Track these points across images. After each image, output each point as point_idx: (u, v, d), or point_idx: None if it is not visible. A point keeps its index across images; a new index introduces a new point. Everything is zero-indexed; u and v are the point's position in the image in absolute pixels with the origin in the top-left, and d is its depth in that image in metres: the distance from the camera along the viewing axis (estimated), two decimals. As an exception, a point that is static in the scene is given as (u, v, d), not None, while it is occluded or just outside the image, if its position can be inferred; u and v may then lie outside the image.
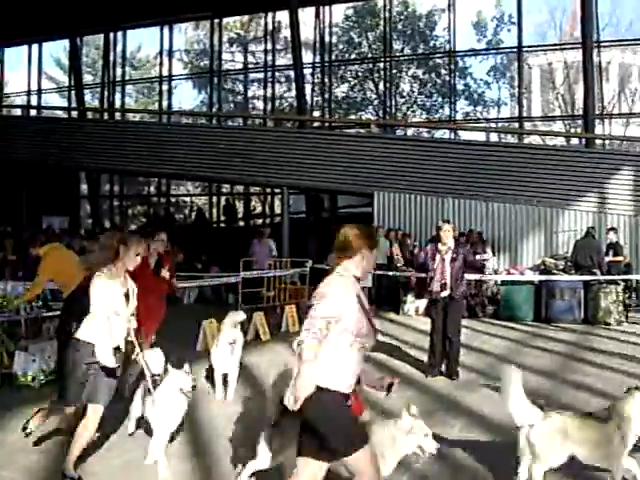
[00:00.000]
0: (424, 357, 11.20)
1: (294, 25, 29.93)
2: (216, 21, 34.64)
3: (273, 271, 17.43)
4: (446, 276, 10.33)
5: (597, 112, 27.25)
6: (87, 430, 6.42)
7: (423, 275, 12.32)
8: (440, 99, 33.11)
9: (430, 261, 10.45)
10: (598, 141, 26.29)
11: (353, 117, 33.96)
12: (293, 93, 32.79)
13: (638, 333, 15.03)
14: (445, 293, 10.39)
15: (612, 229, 18.85)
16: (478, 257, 17.02)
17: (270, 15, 34.18)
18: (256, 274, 16.64)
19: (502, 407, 8.04)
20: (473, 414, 8.28)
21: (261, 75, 35.59)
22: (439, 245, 10.54)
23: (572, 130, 31.55)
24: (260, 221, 34.04)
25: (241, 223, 34.37)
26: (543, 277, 17.53)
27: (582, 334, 15.06)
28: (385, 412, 7.41)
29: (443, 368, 10.56)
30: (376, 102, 33.91)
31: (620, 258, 18.28)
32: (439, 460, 6.43)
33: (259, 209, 35.57)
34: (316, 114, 32.92)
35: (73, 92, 35.66)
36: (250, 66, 36.45)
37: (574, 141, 30.42)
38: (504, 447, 6.87)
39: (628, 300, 17.79)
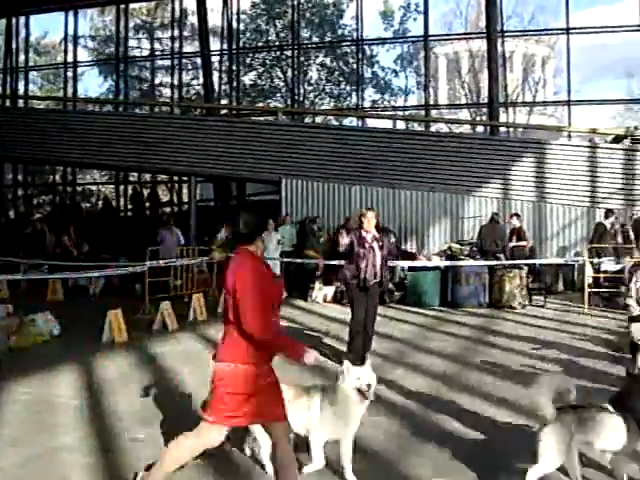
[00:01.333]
0: (336, 344, 11.25)
1: (201, 12, 29.68)
2: (122, 7, 33.95)
3: (180, 260, 17.24)
4: (376, 263, 10.30)
5: (501, 100, 27.69)
6: None
7: (333, 262, 12.40)
8: (348, 87, 33.20)
9: (360, 249, 10.30)
10: (502, 129, 26.77)
11: (261, 105, 33.82)
12: (201, 80, 32.53)
13: (540, 316, 15.44)
14: (375, 280, 10.37)
15: (515, 215, 19.22)
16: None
17: (177, 1, 33.65)
18: (163, 263, 16.41)
19: (409, 393, 8.27)
20: (380, 401, 8.30)
21: (168, 62, 35.10)
22: (363, 233, 10.43)
23: (477, 118, 32.04)
24: (168, 209, 33.70)
25: (149, 212, 33.87)
26: (448, 262, 17.78)
27: (487, 318, 15.36)
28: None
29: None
30: (284, 90, 33.85)
31: (524, 243, 18.67)
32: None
33: (167, 197, 35.20)
34: (224, 102, 32.67)
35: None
36: (157, 53, 35.92)
37: (480, 129, 30.87)
38: (413, 431, 7.01)
39: (531, 284, 18.19)
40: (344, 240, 11.11)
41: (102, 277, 18.61)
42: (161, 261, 16.46)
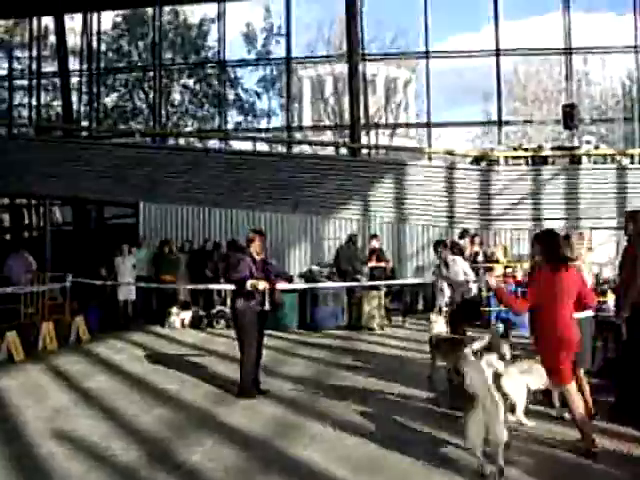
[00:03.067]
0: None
1: (60, 31, 28.91)
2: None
3: (30, 287, 16.49)
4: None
5: (363, 122, 27.95)
6: None
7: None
8: (211, 109, 32.95)
9: (258, 273, 9.90)
10: (364, 150, 27.00)
11: (123, 127, 33.13)
12: (61, 101, 31.62)
13: (397, 336, 15.48)
14: (268, 305, 10.03)
15: (374, 236, 19.32)
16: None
17: (36, 20, 32.68)
18: (10, 290, 15.64)
19: (257, 422, 8.06)
20: (229, 429, 8.04)
21: (26, 82, 33.99)
22: (255, 255, 10.00)
23: (340, 140, 32.26)
24: (27, 234, 32.47)
25: (8, 236, 32.54)
26: (305, 285, 17.59)
27: (345, 340, 15.26)
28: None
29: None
30: (146, 111, 33.29)
31: (382, 264, 18.72)
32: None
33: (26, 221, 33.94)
34: (84, 124, 31.86)
35: None
36: (15, 73, 34.72)
37: (343, 151, 31.09)
38: (258, 462, 6.78)
39: (391, 304, 18.29)
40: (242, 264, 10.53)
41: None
42: (8, 288, 15.68)
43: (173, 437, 7.57)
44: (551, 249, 7.20)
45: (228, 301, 17.88)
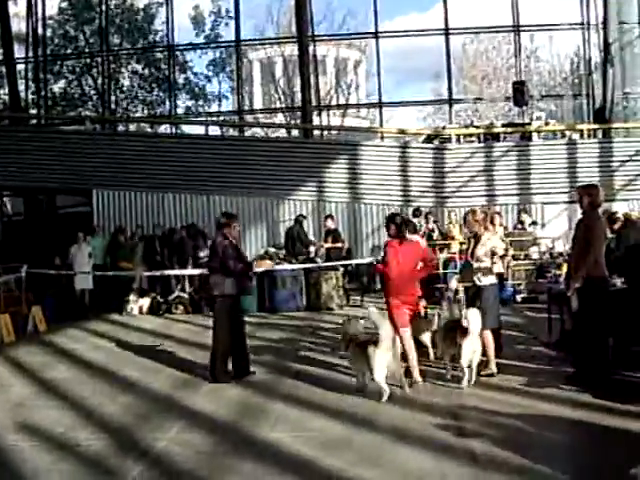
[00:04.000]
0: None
1: (4, 16, 28.36)
2: None
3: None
4: None
5: (315, 104, 27.93)
6: None
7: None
8: (161, 94, 32.66)
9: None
10: (317, 132, 27.00)
11: (72, 114, 32.67)
12: (7, 89, 31.06)
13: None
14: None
15: (329, 216, 19.37)
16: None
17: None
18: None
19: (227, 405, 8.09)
20: (194, 414, 8.04)
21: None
22: (232, 240, 9.86)
23: (292, 122, 32.26)
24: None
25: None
26: (279, 267, 17.44)
27: (304, 320, 15.31)
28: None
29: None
30: (95, 98, 32.90)
31: (339, 245, 18.77)
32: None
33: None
34: (33, 112, 31.36)
35: None
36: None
37: (295, 133, 31.09)
38: (225, 444, 6.82)
39: (348, 284, 18.39)
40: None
41: None
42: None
43: (139, 424, 7.55)
44: (396, 228, 9.10)
45: (187, 287, 17.93)
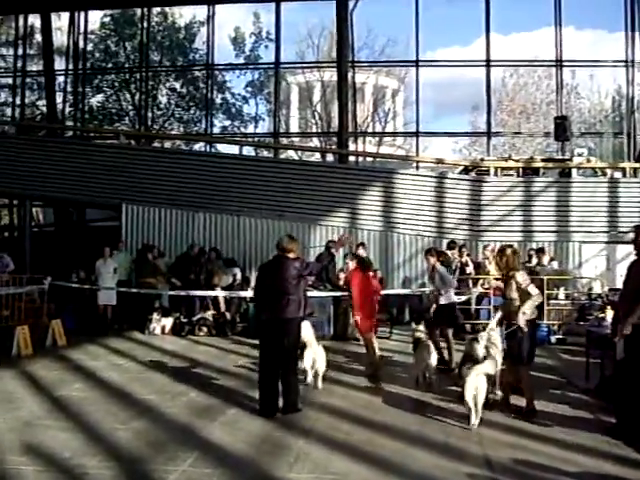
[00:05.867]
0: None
1: (46, 30, 28.47)
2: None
3: (4, 289, 15.95)
4: None
5: (351, 130, 27.63)
6: None
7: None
8: (198, 112, 32.54)
9: None
10: (352, 159, 26.64)
11: (109, 128, 32.63)
12: (45, 101, 31.15)
13: (382, 347, 15.00)
14: None
15: (361, 244, 18.91)
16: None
17: (22, 18, 32.18)
18: (-18, 292, 15.15)
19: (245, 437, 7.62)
20: (210, 445, 7.58)
21: (10, 81, 33.47)
22: None
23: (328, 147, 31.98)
24: (6, 234, 31.95)
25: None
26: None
27: (329, 351, 14.79)
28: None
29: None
30: (132, 113, 32.86)
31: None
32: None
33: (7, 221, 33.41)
34: (69, 124, 31.38)
35: None
36: (0, 70, 34.22)
37: (330, 158, 30.79)
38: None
39: (377, 315, 17.87)
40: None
41: None
42: (-18, 290, 15.19)
43: (151, 454, 7.11)
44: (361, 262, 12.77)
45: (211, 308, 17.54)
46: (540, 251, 18.79)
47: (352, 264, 13.01)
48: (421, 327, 11.71)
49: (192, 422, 8.45)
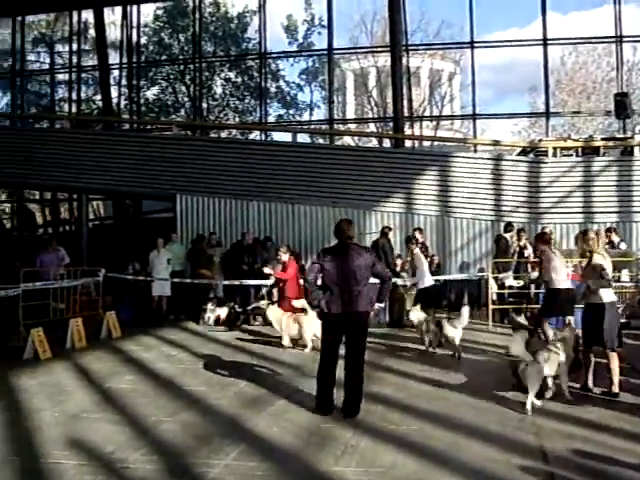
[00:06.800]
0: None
1: (99, 25, 28.65)
2: (18, 19, 32.59)
3: (60, 282, 16.03)
4: None
5: (407, 115, 27.28)
6: None
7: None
8: (252, 102, 32.50)
9: None
10: (408, 143, 26.28)
11: (164, 120, 32.80)
12: (100, 95, 31.40)
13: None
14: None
15: (418, 229, 18.60)
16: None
17: (76, 14, 32.50)
18: (39, 285, 15.21)
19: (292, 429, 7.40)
20: (256, 437, 7.39)
21: (67, 76, 33.85)
22: None
23: (384, 131, 31.66)
24: (65, 228, 32.35)
25: (49, 230, 32.45)
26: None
27: (385, 338, 14.53)
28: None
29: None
30: (188, 104, 32.95)
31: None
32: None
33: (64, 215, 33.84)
34: (125, 117, 31.61)
35: None
36: (57, 67, 34.61)
37: (386, 143, 30.47)
38: (282, 475, 6.16)
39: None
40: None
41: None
42: (37, 283, 15.25)
43: (195, 447, 6.93)
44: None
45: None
46: (610, 231, 18.20)
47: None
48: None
49: (239, 414, 8.27)
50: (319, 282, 8.57)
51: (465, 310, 12.44)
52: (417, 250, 15.47)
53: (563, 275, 11.47)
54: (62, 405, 8.80)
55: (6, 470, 6.33)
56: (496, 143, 24.25)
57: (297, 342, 13.34)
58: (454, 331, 12.20)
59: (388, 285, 8.80)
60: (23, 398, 9.25)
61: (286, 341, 13.37)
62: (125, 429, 7.65)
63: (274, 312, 13.88)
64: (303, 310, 13.06)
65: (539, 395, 8.42)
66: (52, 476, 6.14)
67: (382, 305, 12.32)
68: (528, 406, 8.10)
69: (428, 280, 15.36)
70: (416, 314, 13.35)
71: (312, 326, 12.55)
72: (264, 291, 17.35)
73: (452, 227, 20.67)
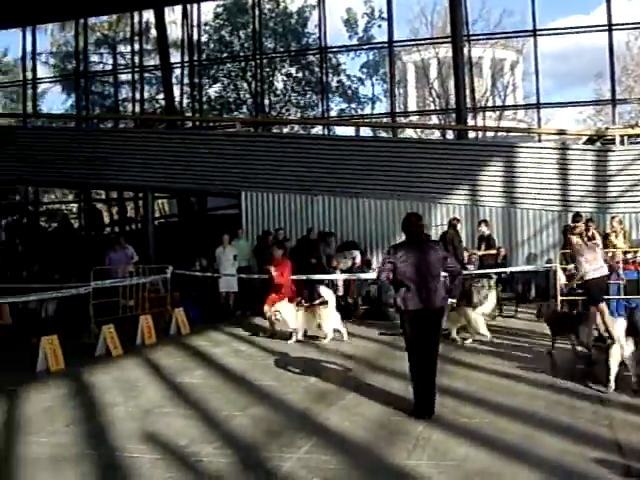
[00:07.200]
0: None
1: (160, 24, 28.97)
2: (81, 21, 33.08)
3: (129, 279, 16.27)
4: None
5: (469, 106, 27.03)
6: None
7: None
8: (314, 96, 32.51)
9: None
10: (471, 134, 26.04)
11: (225, 117, 33.00)
12: (163, 94, 31.79)
13: (509, 326, 14.58)
14: None
15: (484, 221, 18.40)
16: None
17: (137, 15, 32.89)
18: (109, 283, 15.45)
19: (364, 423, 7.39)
20: (327, 431, 7.40)
21: (130, 77, 34.28)
22: None
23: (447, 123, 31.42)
24: (132, 227, 32.76)
25: (116, 229, 32.89)
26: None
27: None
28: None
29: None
30: (250, 101, 33.11)
31: (493, 251, 17.84)
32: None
33: (132, 214, 34.28)
34: (188, 115, 31.91)
35: None
36: (119, 67, 35.08)
37: (449, 135, 30.24)
38: (355, 469, 6.16)
39: (502, 293, 17.36)
40: None
41: (53, 299, 17.61)
42: (107, 281, 15.50)
43: (267, 441, 6.98)
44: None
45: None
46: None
47: None
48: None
49: (310, 408, 8.30)
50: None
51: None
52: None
53: (595, 264, 11.71)
54: (135, 400, 8.95)
55: (84, 464, 6.45)
56: (562, 132, 23.87)
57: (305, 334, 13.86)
58: (476, 314, 12.75)
59: (460, 280, 8.66)
60: (97, 394, 9.44)
61: (299, 336, 13.59)
62: (197, 423, 7.75)
63: (287, 308, 13.78)
64: (322, 303, 13.79)
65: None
66: (129, 470, 6.25)
67: (454, 300, 11.99)
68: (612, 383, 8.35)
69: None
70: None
71: (332, 318, 13.46)
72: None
73: (518, 218, 20.43)
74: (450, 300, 9.25)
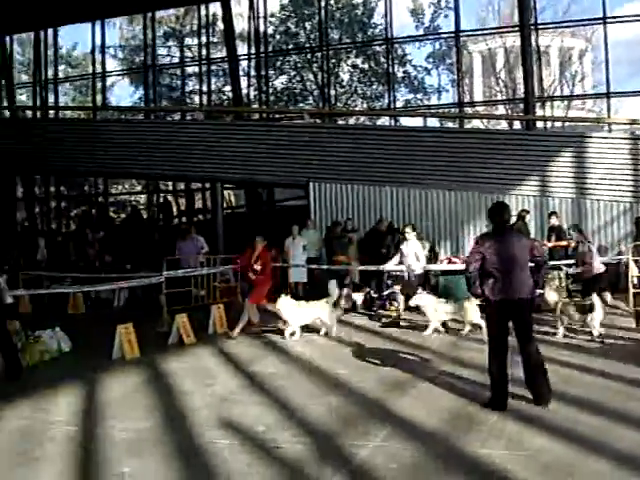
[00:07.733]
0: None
1: (227, 17, 29.20)
2: (149, 15, 33.51)
3: (199, 269, 16.53)
4: None
5: (537, 95, 26.74)
6: None
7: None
8: (380, 87, 32.45)
9: None
10: (539, 124, 25.78)
11: (292, 108, 33.17)
12: (230, 86, 32.08)
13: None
14: None
15: (553, 213, 18.24)
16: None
17: (204, 7, 33.19)
18: (180, 273, 15.72)
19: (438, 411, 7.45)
20: (401, 420, 7.48)
21: (198, 69, 34.63)
22: None
23: (515, 114, 31.10)
24: (202, 217, 33.17)
25: (184, 219, 33.32)
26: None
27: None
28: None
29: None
30: (316, 92, 33.20)
31: (563, 243, 17.64)
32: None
33: (200, 205, 34.69)
34: (254, 107, 32.13)
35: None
36: (186, 60, 35.48)
37: (517, 125, 29.97)
38: (430, 457, 6.24)
39: (572, 285, 17.19)
40: None
41: (125, 289, 18.02)
42: (179, 271, 15.78)
43: (342, 429, 7.12)
44: None
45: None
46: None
47: None
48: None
49: (383, 397, 8.40)
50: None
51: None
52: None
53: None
54: (211, 388, 9.15)
55: (166, 448, 6.65)
56: (634, 122, 23.45)
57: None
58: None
59: (544, 270, 8.58)
60: (173, 381, 9.67)
61: (296, 332, 13.12)
62: (273, 411, 7.91)
63: (286, 303, 13.21)
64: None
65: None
66: (208, 455, 6.44)
67: (542, 291, 11.70)
68: None
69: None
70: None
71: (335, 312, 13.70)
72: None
73: (588, 209, 20.15)
74: (538, 291, 8.93)
